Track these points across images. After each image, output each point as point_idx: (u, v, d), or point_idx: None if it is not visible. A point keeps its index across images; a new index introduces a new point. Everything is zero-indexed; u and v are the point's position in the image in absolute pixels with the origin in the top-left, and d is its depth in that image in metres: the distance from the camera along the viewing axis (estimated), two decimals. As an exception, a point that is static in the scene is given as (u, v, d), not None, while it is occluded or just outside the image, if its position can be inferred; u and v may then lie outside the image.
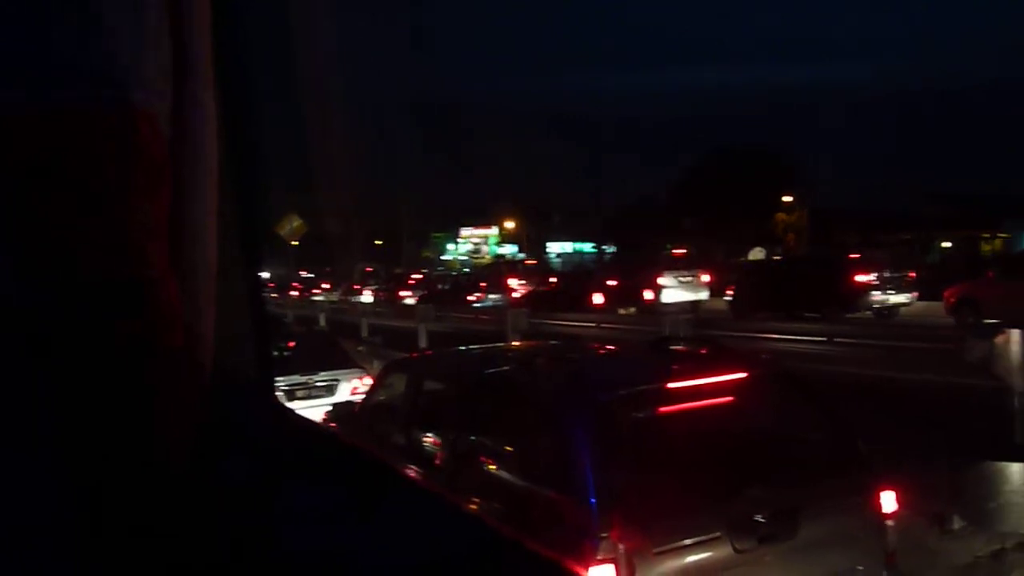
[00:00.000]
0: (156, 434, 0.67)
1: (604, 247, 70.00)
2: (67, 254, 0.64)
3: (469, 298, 28.98)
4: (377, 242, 78.18)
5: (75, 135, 0.65)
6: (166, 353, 0.68)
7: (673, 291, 23.81)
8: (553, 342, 8.26)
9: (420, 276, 40.84)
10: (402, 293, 33.13)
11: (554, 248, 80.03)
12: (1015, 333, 5.97)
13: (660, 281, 23.78)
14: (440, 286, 34.34)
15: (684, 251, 30.07)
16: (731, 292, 22.02)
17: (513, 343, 11.74)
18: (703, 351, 4.95)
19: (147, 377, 0.66)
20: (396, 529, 0.72)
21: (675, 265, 25.57)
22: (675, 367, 4.41)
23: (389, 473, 0.81)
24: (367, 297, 36.12)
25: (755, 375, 4.35)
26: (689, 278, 24.77)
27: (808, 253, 39.30)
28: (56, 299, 0.64)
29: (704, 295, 24.77)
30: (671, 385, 4.06)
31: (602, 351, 5.67)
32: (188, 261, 0.76)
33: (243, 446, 0.79)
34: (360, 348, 15.75)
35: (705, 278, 25.20)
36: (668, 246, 43.35)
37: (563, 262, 69.43)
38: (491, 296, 29.66)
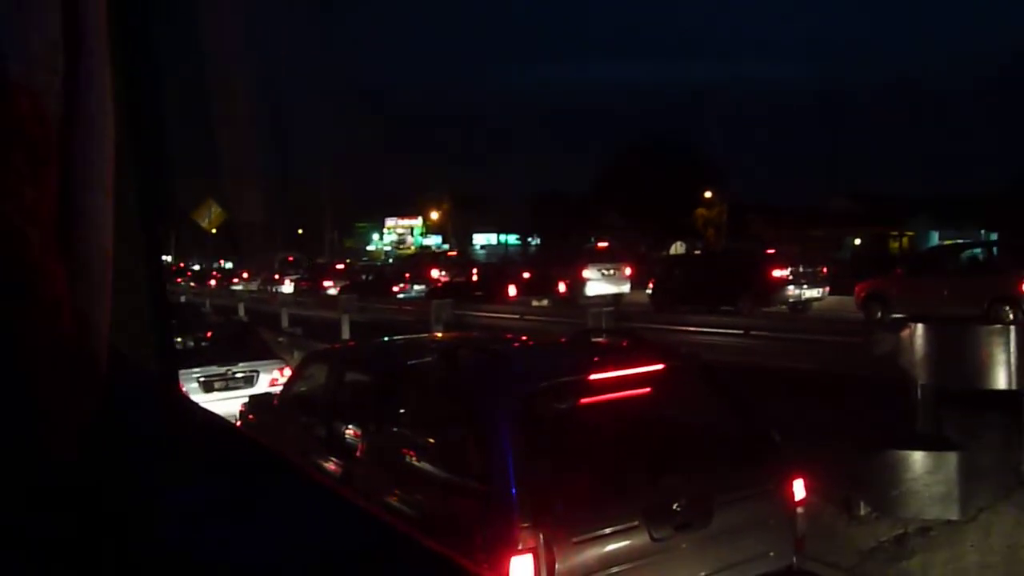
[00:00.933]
0: (39, 423, 0.63)
1: (529, 238, 70.52)
2: None
3: (393, 289, 28.82)
4: (299, 231, 76.89)
5: None
6: (50, 340, 0.64)
7: (596, 284, 24.05)
8: (475, 334, 8.26)
9: (343, 266, 40.29)
10: (324, 283, 32.69)
11: (480, 239, 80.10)
12: (919, 327, 6.22)
13: (584, 274, 24.03)
14: (364, 276, 33.93)
15: (607, 244, 30.39)
16: (652, 285, 22.39)
17: (436, 334, 11.70)
18: (623, 344, 5.03)
19: (25, 363, 0.63)
20: (279, 524, 0.71)
21: (598, 258, 25.83)
22: (596, 359, 4.47)
23: (282, 467, 0.79)
24: (288, 287, 35.45)
25: (673, 367, 4.43)
26: (612, 271, 25.02)
27: (727, 248, 40.35)
28: None
29: (626, 288, 25.09)
30: (592, 377, 4.11)
31: (524, 343, 5.70)
32: (81, 247, 0.72)
33: (133, 439, 0.76)
34: (280, 339, 15.48)
35: (627, 271, 25.57)
36: (592, 238, 43.85)
37: (487, 253, 69.57)
38: (415, 287, 29.59)
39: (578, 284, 23.50)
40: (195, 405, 0.91)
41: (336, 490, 0.77)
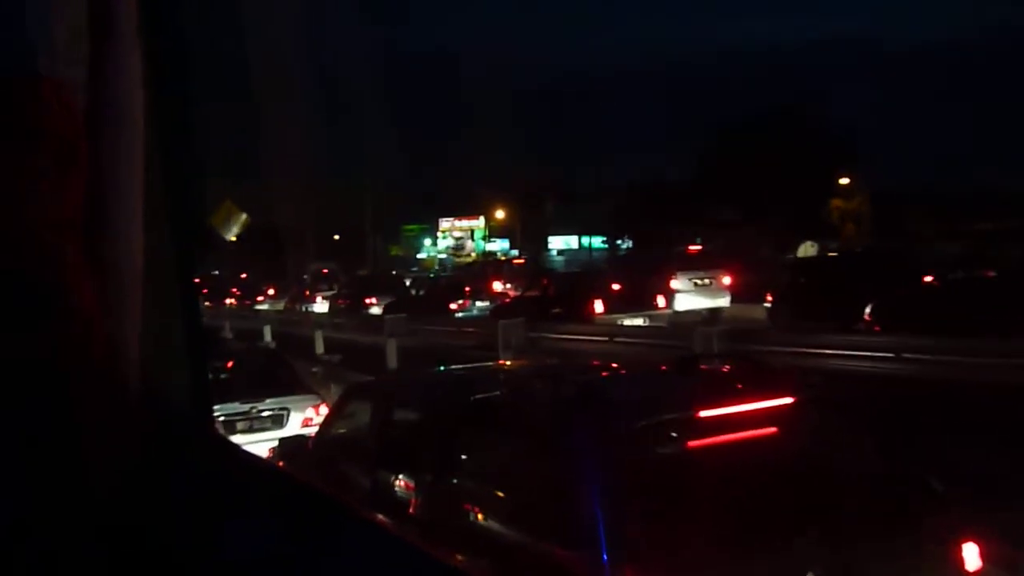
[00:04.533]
0: (75, 458, 0.67)
1: (619, 241, 70.28)
2: None
3: (451, 306, 29.09)
4: (335, 237, 78.25)
5: None
6: (81, 370, 0.67)
7: (687, 297, 24.08)
8: (554, 361, 8.28)
9: (389, 279, 40.91)
10: (366, 300, 33.21)
11: (556, 243, 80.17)
12: None
13: (672, 284, 23.98)
14: (414, 291, 34.37)
15: (700, 247, 30.26)
16: (771, 298, 22.22)
17: (505, 362, 11.74)
18: (740, 372, 4.99)
19: (59, 397, 0.66)
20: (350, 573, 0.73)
21: (689, 264, 25.77)
22: (707, 392, 4.45)
23: (344, 512, 0.82)
24: (322, 305, 35.92)
25: (804, 401, 4.38)
26: (706, 280, 24.98)
27: (870, 247, 39.36)
28: None
29: (724, 301, 24.98)
30: (702, 413, 4.08)
31: (616, 372, 5.69)
32: (108, 261, 0.75)
33: (175, 479, 0.80)
34: (314, 369, 15.77)
35: (726, 280, 25.39)
36: (698, 239, 43.46)
37: (567, 260, 69.59)
38: (477, 303, 29.82)
39: (667, 297, 23.72)
40: (239, 448, 0.95)
41: (407, 538, 0.79)
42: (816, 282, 21.73)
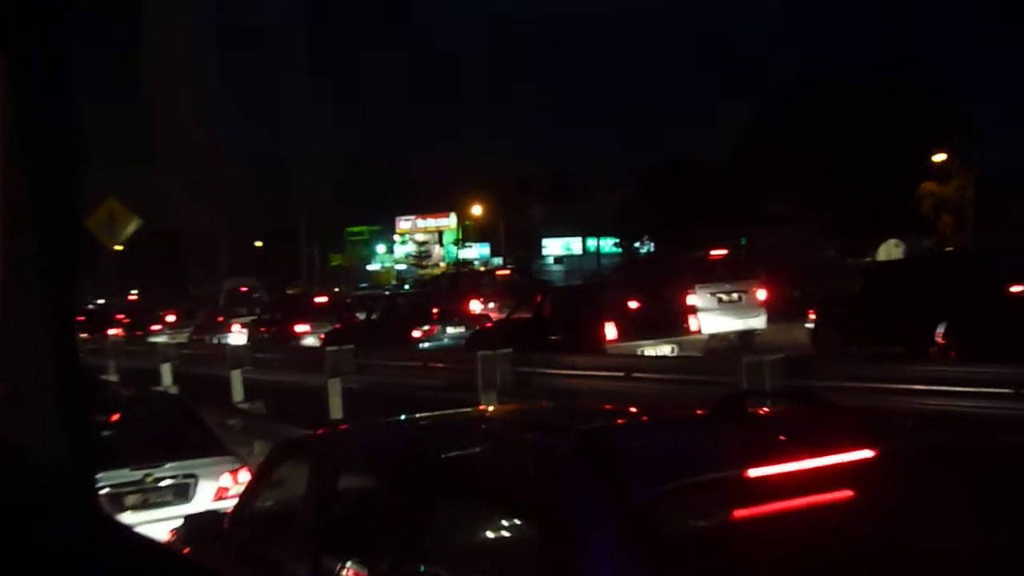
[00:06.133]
0: None
1: (636, 243, 70.42)
2: None
3: (413, 333, 29.00)
4: (257, 244, 78.15)
5: None
6: None
7: (711, 316, 24.39)
8: (551, 404, 8.28)
9: (326, 299, 40.73)
10: (298, 328, 33.17)
11: (553, 247, 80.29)
12: None
13: (690, 300, 24.30)
14: (363, 314, 34.22)
15: (725, 251, 30.30)
16: (814, 316, 22.70)
17: (486, 408, 11.75)
18: (802, 416, 5.00)
19: None
20: None
21: (712, 274, 26.15)
22: (757, 443, 4.49)
23: None
24: (240, 335, 36.09)
25: (892, 454, 4.42)
26: (735, 295, 25.42)
27: (972, 246, 39.34)
28: None
29: (759, 321, 25.47)
30: (752, 472, 4.09)
31: (635, 419, 5.71)
32: None
33: (45, 560, 0.79)
34: (231, 422, 15.70)
35: (761, 294, 25.82)
36: (743, 240, 43.53)
37: (567, 269, 69.70)
38: (449, 329, 29.70)
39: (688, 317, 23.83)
40: (130, 530, 0.94)
41: None
42: (875, 295, 22.02)
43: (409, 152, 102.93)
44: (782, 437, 4.61)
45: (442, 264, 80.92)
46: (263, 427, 15.25)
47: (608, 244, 76.66)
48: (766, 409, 5.73)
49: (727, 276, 26.17)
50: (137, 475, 9.64)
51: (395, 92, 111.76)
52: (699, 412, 5.71)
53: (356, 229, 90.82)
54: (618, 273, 41.47)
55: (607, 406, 7.47)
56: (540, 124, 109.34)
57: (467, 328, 29.24)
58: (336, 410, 17.74)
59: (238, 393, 21.30)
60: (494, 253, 79.07)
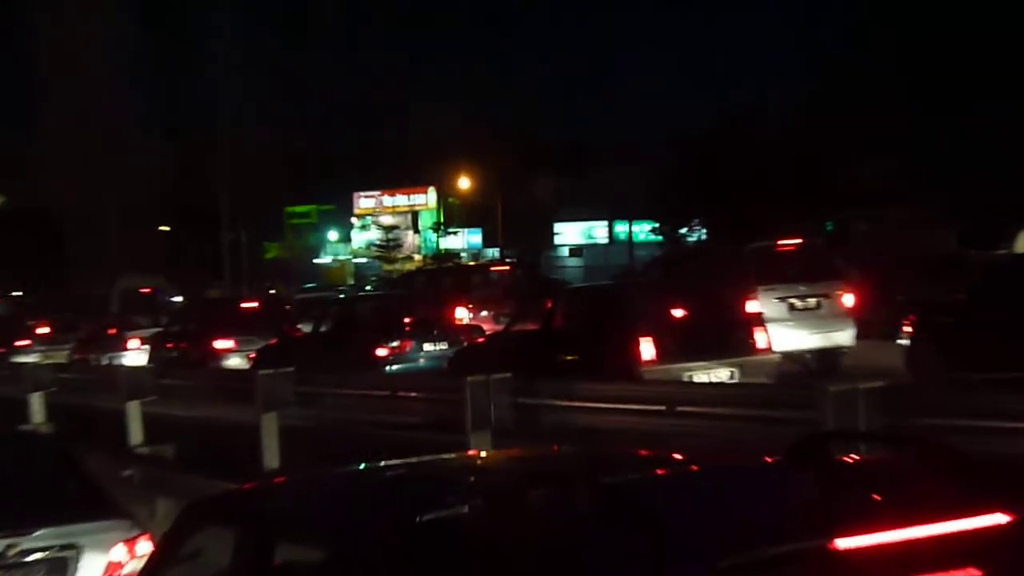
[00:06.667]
0: None
1: (683, 230, 70.12)
2: None
3: (377, 351, 28.74)
4: (163, 230, 77.95)
5: None
6: None
7: (780, 328, 24.48)
8: (565, 448, 8.27)
9: (258, 304, 40.11)
10: (219, 344, 32.82)
11: (569, 233, 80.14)
12: None
13: (749, 307, 24.19)
14: (309, 325, 33.87)
15: (799, 242, 30.10)
16: (909, 328, 22.59)
17: (475, 453, 11.78)
18: (909, 464, 5.06)
19: None
20: None
21: (780, 272, 26.44)
22: (848, 501, 4.49)
23: None
24: (139, 354, 36.28)
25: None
26: (812, 301, 25.73)
27: None
28: None
29: (846, 336, 25.80)
30: (840, 543, 4.07)
31: (681, 467, 5.74)
32: None
33: None
34: (128, 472, 15.70)
35: (848, 300, 25.98)
36: (828, 225, 43.34)
37: (588, 264, 69.64)
38: (426, 346, 29.54)
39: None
40: None
41: None
42: (992, 300, 21.71)
43: (373, 107, 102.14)
44: (881, 494, 4.60)
45: (417, 257, 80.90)
46: (170, 480, 15.31)
47: (643, 230, 75.64)
48: (859, 456, 5.74)
49: (803, 275, 26.32)
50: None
51: (356, 28, 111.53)
52: (768, 459, 5.71)
53: (300, 209, 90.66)
54: (657, 270, 40.82)
55: (642, 451, 7.48)
56: (551, 74, 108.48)
57: (451, 344, 29.22)
58: (272, 456, 17.68)
59: (137, 433, 21.23)
60: (488, 242, 79.14)
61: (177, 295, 51.75)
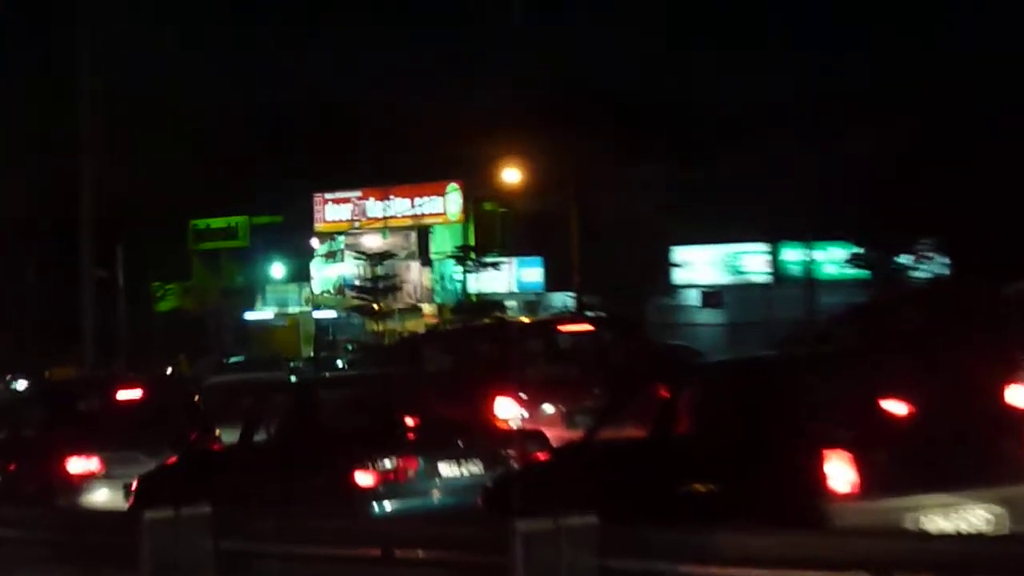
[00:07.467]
0: None
1: (902, 258, 56.60)
2: None
3: (358, 477, 22.56)
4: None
5: None
6: None
7: None
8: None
9: (141, 391, 31.51)
10: (76, 464, 26.47)
11: (700, 265, 66.05)
12: None
13: (1011, 399, 19.22)
14: (231, 431, 26.72)
15: None
16: None
17: None
18: None
19: None
20: None
21: None
22: None
23: None
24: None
25: None
26: None
27: None
28: None
29: None
30: None
31: None
32: None
33: None
34: None
35: None
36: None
37: (731, 322, 58.58)
38: (444, 469, 23.17)
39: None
40: None
41: None
42: None
43: (349, 52, 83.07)
44: None
45: (427, 307, 69.75)
46: None
47: (835, 257, 62.91)
48: None
49: None
50: None
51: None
52: None
53: (216, 223, 77.49)
54: (856, 326, 32.46)
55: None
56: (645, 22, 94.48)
57: (489, 465, 22.89)
58: None
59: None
60: (555, 283, 66.33)
61: (19, 377, 43.73)
